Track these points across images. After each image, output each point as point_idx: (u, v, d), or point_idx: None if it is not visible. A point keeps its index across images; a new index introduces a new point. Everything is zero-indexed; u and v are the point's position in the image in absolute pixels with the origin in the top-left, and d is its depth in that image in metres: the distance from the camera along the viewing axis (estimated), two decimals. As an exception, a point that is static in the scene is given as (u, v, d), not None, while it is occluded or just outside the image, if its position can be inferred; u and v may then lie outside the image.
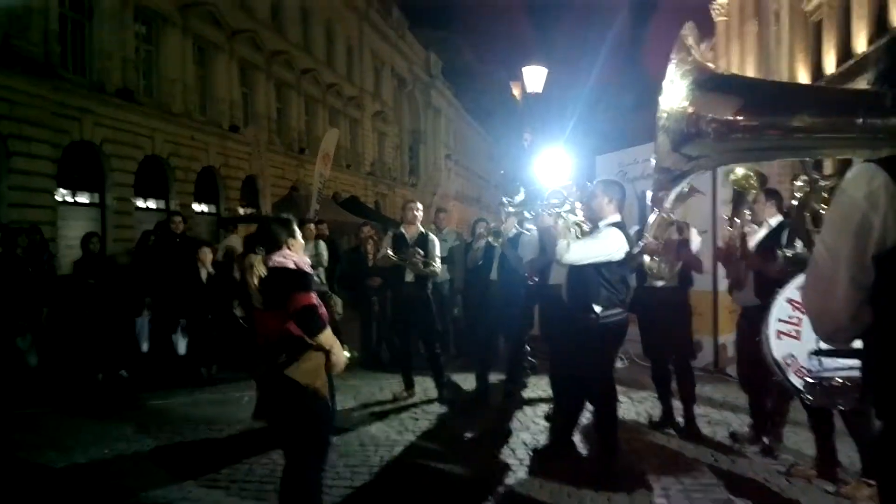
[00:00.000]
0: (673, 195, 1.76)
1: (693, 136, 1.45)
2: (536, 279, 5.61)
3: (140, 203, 16.12)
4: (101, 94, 14.18)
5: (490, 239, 5.80)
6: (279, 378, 2.92)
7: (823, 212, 3.63)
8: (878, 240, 1.31)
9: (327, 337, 3.00)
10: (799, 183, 3.54)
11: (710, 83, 1.50)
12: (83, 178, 14.42)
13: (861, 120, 1.35)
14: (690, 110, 1.46)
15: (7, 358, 6.79)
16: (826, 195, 1.79)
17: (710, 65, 1.58)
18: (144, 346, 7.88)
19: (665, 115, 1.51)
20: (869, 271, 1.33)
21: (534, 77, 16.86)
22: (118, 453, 4.82)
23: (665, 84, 1.52)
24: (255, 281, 2.99)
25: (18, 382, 6.66)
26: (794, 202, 3.96)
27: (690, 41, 1.59)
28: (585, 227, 4.42)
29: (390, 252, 5.99)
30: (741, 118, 1.44)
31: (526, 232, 5.81)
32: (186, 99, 17.27)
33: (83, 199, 14.61)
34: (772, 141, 1.50)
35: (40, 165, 12.55)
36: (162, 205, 16.87)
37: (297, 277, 3.00)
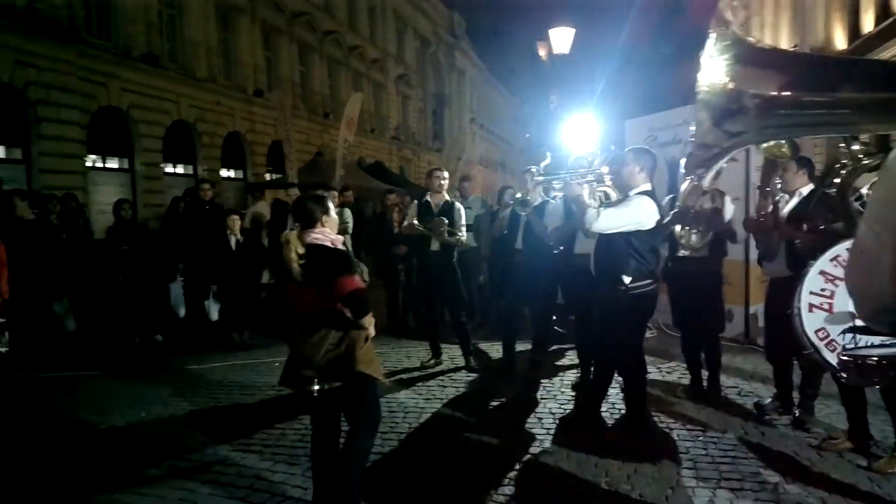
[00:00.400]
0: (713, 172, 1.71)
1: (735, 112, 1.41)
2: (562, 248, 5.57)
3: (168, 168, 16.28)
4: (126, 58, 14.22)
5: (517, 208, 5.75)
6: (351, 373, 3.07)
7: (865, 190, 3.57)
8: None
9: (370, 317, 3.13)
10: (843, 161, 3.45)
11: (751, 57, 1.45)
12: (112, 143, 14.59)
13: None
14: (731, 86, 1.41)
15: (45, 323, 6.98)
16: (868, 173, 1.73)
17: (751, 38, 1.52)
18: (182, 312, 8.05)
19: (704, 90, 1.46)
20: None
21: (561, 38, 16.49)
22: (155, 416, 4.98)
23: (703, 58, 1.47)
24: (294, 256, 3.02)
25: (57, 347, 6.87)
26: (830, 173, 3.87)
27: (729, 14, 1.53)
28: (613, 196, 4.36)
29: (416, 222, 5.98)
30: (785, 94, 1.39)
31: (552, 200, 5.75)
32: (211, 63, 17.25)
33: (112, 164, 14.81)
34: (816, 117, 1.45)
35: (70, 131, 12.69)
36: (190, 170, 17.04)
37: (343, 259, 3.13)
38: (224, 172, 18.21)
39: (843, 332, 3.12)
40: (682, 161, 5.15)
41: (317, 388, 3.07)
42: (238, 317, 7.63)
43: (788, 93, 1.40)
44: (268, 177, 19.59)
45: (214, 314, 7.83)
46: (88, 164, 13.65)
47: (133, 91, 14.53)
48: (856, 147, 3.81)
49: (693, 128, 1.56)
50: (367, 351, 3.14)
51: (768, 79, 1.41)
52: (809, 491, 3.35)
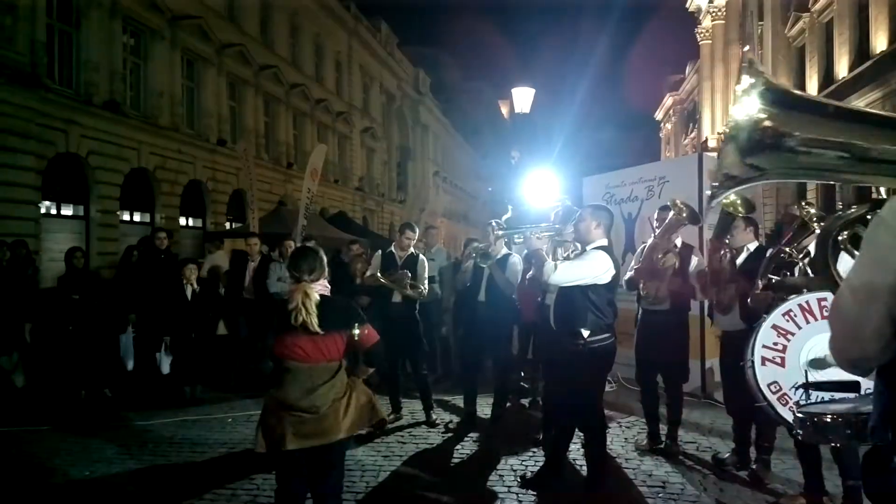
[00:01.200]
0: (717, 201, 1.77)
1: (763, 148, 1.48)
2: (539, 299, 5.60)
3: (125, 216, 15.97)
4: (87, 105, 14.07)
5: (478, 260, 5.80)
6: (353, 427, 3.16)
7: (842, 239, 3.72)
8: None
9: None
10: (812, 210, 3.62)
11: (785, 100, 1.53)
12: (68, 190, 14.26)
13: None
14: (766, 124, 1.49)
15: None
16: (850, 225, 1.80)
17: (786, 85, 1.61)
18: (130, 365, 7.77)
19: (735, 124, 1.53)
20: None
21: (522, 97, 17.03)
22: (99, 475, 4.73)
23: (738, 94, 1.55)
24: (311, 306, 3.03)
25: (4, 401, 6.54)
26: (787, 233, 4.03)
27: (754, 58, 1.62)
28: (571, 250, 4.47)
29: (379, 274, 5.97)
30: (815, 138, 1.47)
31: (515, 254, 5.82)
32: (174, 112, 17.20)
33: (67, 211, 14.44)
34: (839, 165, 1.52)
35: (24, 177, 12.38)
36: (147, 218, 16.73)
37: (357, 311, 3.29)
38: (183, 220, 17.95)
39: (796, 387, 3.18)
40: (654, 215, 5.32)
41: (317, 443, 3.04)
42: (191, 370, 7.40)
43: (819, 138, 1.48)
44: (228, 226, 19.37)
45: (166, 367, 7.58)
46: (42, 210, 13.30)
47: (93, 138, 14.34)
48: (812, 210, 4.01)
49: (716, 160, 1.63)
50: (364, 405, 3.20)
51: (800, 122, 1.48)
52: (768, 548, 3.35)
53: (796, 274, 3.90)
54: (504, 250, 5.75)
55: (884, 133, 1.46)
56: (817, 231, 3.84)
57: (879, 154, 1.44)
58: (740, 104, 1.50)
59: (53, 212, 13.96)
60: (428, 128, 42.89)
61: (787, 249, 3.96)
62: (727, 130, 1.53)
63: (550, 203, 5.57)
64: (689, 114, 45.37)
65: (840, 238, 1.85)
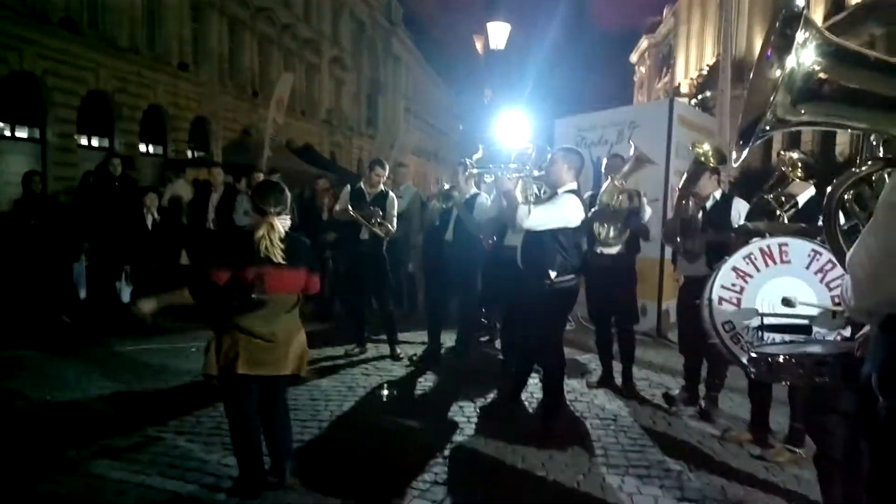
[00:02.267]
0: (762, 140, 1.81)
1: (815, 97, 1.53)
2: (493, 240, 5.66)
3: (83, 141, 15.42)
4: (42, 23, 13.33)
5: (440, 202, 5.77)
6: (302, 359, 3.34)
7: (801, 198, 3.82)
8: None
9: None
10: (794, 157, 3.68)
11: (837, 53, 1.57)
12: (23, 111, 13.67)
13: None
14: (821, 75, 1.54)
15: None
16: (858, 184, 1.86)
17: (839, 38, 1.64)
18: (82, 293, 7.65)
19: (791, 72, 1.57)
20: None
21: (497, 33, 16.69)
22: (61, 400, 4.74)
23: (795, 45, 1.58)
24: (276, 240, 3.13)
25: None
26: (771, 180, 4.10)
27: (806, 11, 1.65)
28: (540, 192, 4.50)
29: (350, 207, 5.92)
30: (865, 90, 1.52)
31: (483, 194, 5.82)
32: (134, 32, 16.42)
33: (22, 133, 13.90)
34: (884, 116, 1.57)
35: (-26, 96, 11.83)
36: (106, 143, 16.19)
37: (315, 256, 3.43)
38: (143, 147, 17.41)
39: (754, 329, 3.31)
40: (604, 161, 5.35)
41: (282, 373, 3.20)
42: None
43: (869, 91, 1.52)
44: (189, 154, 18.88)
45: (126, 296, 7.50)
46: (-5, 131, 12.77)
47: (48, 57, 13.66)
48: (796, 155, 4.08)
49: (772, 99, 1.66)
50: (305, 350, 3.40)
51: (849, 74, 1.53)
52: (711, 479, 3.56)
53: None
54: (473, 190, 5.75)
55: None
56: (795, 181, 3.94)
57: None
58: (796, 54, 1.53)
59: (7, 133, 13.40)
60: (400, 60, 41.82)
61: (767, 197, 4.05)
62: (782, 78, 1.56)
63: (521, 144, 5.54)
64: (663, 57, 45.09)
65: (846, 196, 1.90)
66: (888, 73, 1.54)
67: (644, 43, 50.80)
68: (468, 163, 5.61)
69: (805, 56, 1.52)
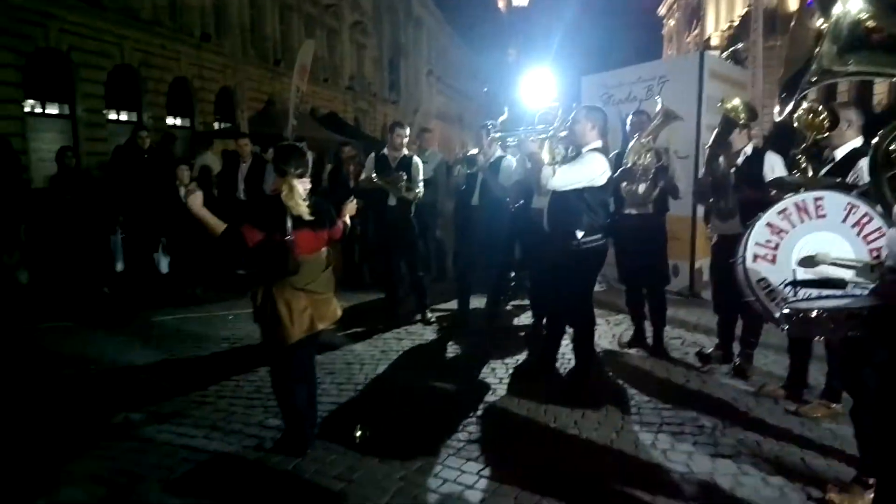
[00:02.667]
0: (809, 90, 1.77)
1: (863, 45, 1.50)
2: (521, 202, 5.63)
3: (112, 116, 15.61)
4: (65, -3, 13.42)
5: (465, 167, 5.72)
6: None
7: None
8: None
9: None
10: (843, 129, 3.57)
11: (885, 1, 1.53)
12: (51, 88, 13.85)
13: None
14: (869, 24, 1.50)
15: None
16: None
17: None
18: (119, 266, 7.84)
19: (837, 22, 1.53)
20: None
21: (520, -10, 16.26)
22: (104, 369, 4.91)
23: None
24: (299, 199, 3.26)
25: (10, 300, 6.65)
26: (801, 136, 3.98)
27: None
28: (567, 152, 4.45)
29: (374, 176, 5.93)
30: None
31: (509, 156, 5.78)
32: (155, 4, 16.43)
33: (53, 110, 14.09)
34: None
35: (4, 73, 12.00)
36: (134, 117, 16.37)
37: (334, 214, 3.59)
38: (170, 120, 17.57)
39: (786, 284, 3.26)
40: (628, 119, 5.25)
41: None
42: (191, 270, 7.50)
43: None
44: (216, 125, 19.00)
45: (164, 267, 7.68)
46: (27, 109, 12.97)
47: (73, 32, 13.76)
48: (806, 105, 3.94)
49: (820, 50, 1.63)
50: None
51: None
52: (745, 435, 3.57)
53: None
54: (498, 153, 5.71)
55: None
56: (832, 134, 3.81)
57: None
58: (843, 4, 1.48)
59: (38, 110, 13.62)
60: (421, 23, 41.19)
61: (796, 154, 3.95)
62: (828, 27, 1.52)
63: (546, 104, 5.45)
64: (692, 10, 43.63)
65: (892, 147, 1.86)
66: None
67: (672, -5, 49.15)
68: (491, 126, 5.57)
69: (852, 3, 1.46)
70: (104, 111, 15.07)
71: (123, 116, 16.16)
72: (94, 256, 7.47)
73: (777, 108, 1.84)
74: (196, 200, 3.19)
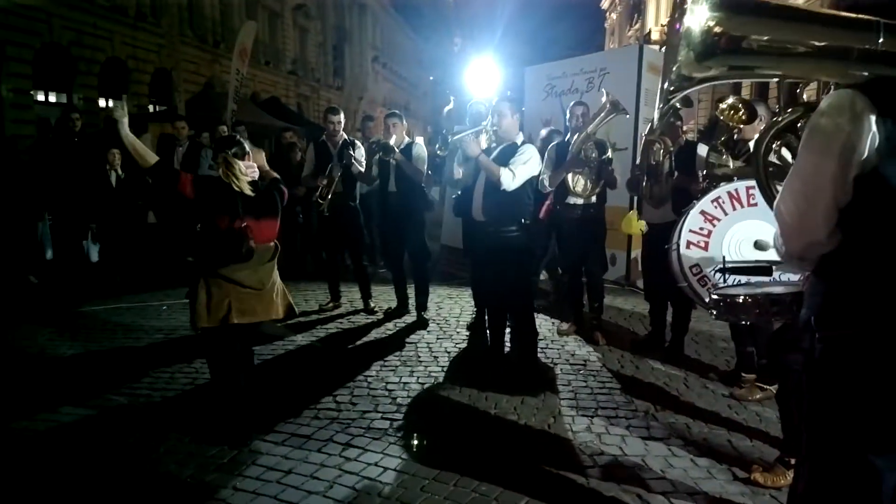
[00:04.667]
0: (674, 101, 1.82)
1: (717, 52, 1.54)
2: (458, 194, 5.61)
3: (40, 97, 14.85)
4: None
5: (382, 155, 5.61)
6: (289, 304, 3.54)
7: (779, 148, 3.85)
8: (861, 162, 1.41)
9: None
10: (756, 123, 3.71)
11: (733, 4, 1.58)
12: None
13: (857, 46, 1.45)
14: (718, 29, 1.55)
15: None
16: (782, 132, 1.90)
17: None
18: (49, 253, 7.51)
19: (688, 30, 1.57)
20: (849, 191, 1.44)
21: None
22: (31, 361, 4.70)
23: (690, 2, 1.58)
24: (240, 175, 3.24)
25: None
26: (716, 129, 4.14)
27: None
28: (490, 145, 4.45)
29: (309, 175, 5.95)
30: (764, 40, 1.54)
31: (418, 141, 5.79)
32: (86, -20, 15.68)
33: (-27, 88, 13.31)
34: (783, 63, 1.59)
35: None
36: (64, 98, 15.61)
37: (278, 201, 3.49)
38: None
39: (715, 270, 3.38)
40: (569, 110, 5.33)
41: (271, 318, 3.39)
42: (121, 258, 7.23)
43: (766, 40, 1.54)
44: (151, 108, 18.32)
45: (94, 255, 7.38)
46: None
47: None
48: (731, 100, 4.09)
49: (677, 57, 1.67)
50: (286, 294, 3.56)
51: (748, 25, 1.55)
52: (676, 418, 3.70)
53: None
54: (406, 139, 5.70)
55: (822, 29, 1.52)
56: (746, 127, 3.97)
57: (819, 50, 1.51)
58: (692, 11, 1.53)
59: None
60: (366, 7, 40.62)
61: (716, 144, 4.11)
62: (681, 35, 1.57)
63: (490, 95, 5.47)
64: (633, 4, 44.54)
65: (773, 145, 1.94)
66: (793, 21, 1.56)
67: (614, -12, 50.05)
68: (398, 114, 5.68)
69: (699, 11, 1.53)
70: (31, 91, 14.31)
71: (52, 97, 15.39)
72: (21, 244, 7.12)
73: (655, 115, 1.94)
74: (124, 123, 3.15)
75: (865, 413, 1.48)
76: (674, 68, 1.61)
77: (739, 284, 3.01)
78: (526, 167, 4.12)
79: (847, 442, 1.51)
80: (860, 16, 1.49)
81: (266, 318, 3.38)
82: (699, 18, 1.53)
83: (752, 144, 3.96)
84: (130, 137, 3.25)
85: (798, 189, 1.53)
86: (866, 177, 1.42)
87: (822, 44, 1.51)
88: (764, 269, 2.96)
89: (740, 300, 2.55)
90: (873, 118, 1.40)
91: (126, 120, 3.16)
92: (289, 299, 3.53)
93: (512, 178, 4.05)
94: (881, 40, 1.43)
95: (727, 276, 3.23)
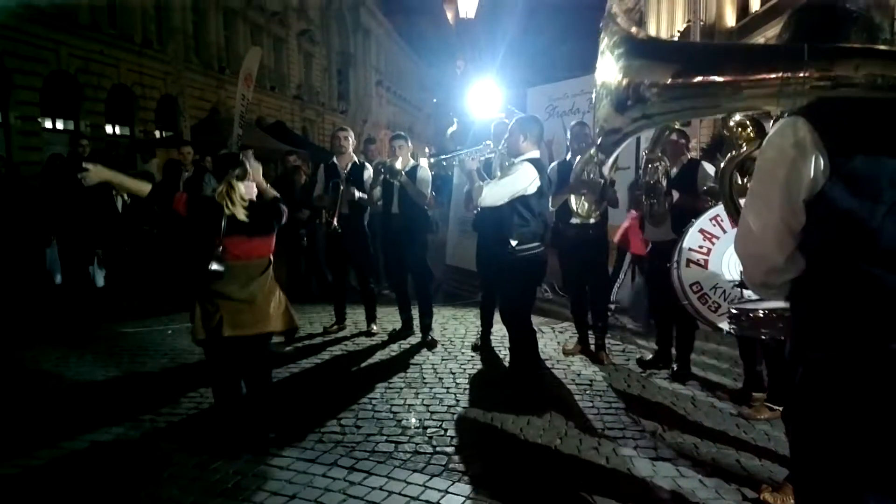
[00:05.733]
0: (613, 157, 1.83)
1: (634, 102, 1.53)
2: (476, 210, 5.62)
3: (48, 124, 15.03)
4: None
5: (388, 177, 5.62)
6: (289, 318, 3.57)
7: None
8: (808, 185, 1.41)
9: None
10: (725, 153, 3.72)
11: (639, 51, 1.56)
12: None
13: (782, 73, 1.42)
14: (625, 81, 1.53)
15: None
16: (745, 161, 1.92)
17: (635, 31, 1.63)
18: (58, 279, 7.54)
19: (602, 84, 1.58)
20: (800, 214, 1.44)
21: (467, 1, 16.47)
22: (36, 388, 4.70)
23: (599, 56, 1.58)
24: (238, 199, 3.32)
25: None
26: (721, 147, 4.15)
27: (615, 8, 1.64)
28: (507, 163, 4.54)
29: (324, 196, 5.98)
30: (675, 81, 1.51)
31: (423, 163, 5.83)
32: (94, 9, 15.93)
33: (-18, 117, 13.50)
34: (704, 100, 1.58)
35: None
36: (71, 126, 15.80)
37: (277, 217, 3.52)
38: (109, 129, 17.02)
39: (733, 286, 3.37)
40: (570, 131, 5.35)
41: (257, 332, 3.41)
42: (127, 283, 7.26)
43: (679, 81, 1.52)
44: (158, 134, 18.50)
45: (100, 280, 7.41)
46: (-48, 116, 12.38)
47: (6, 37, 13.21)
48: (738, 117, 4.10)
49: (597, 112, 1.66)
50: (287, 307, 3.58)
51: (659, 70, 1.53)
52: (684, 438, 3.66)
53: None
54: (412, 162, 5.73)
55: (734, 63, 1.51)
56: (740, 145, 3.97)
57: (735, 83, 1.48)
58: (601, 62, 1.53)
59: (-35, 118, 13.02)
60: (370, 33, 41.14)
61: (722, 160, 4.10)
62: (597, 89, 1.57)
63: (495, 116, 5.52)
64: (635, 24, 44.85)
65: (735, 177, 1.96)
66: (710, 57, 1.55)
67: (614, 7, 50.39)
68: (428, 153, 5.68)
69: (608, 63, 1.52)
70: (39, 119, 14.50)
71: (60, 125, 15.58)
72: (26, 270, 7.15)
73: (607, 162, 1.94)
74: (95, 175, 3.31)
75: (843, 442, 1.43)
76: (598, 125, 1.61)
77: (751, 300, 2.98)
78: (498, 187, 4.12)
79: (827, 475, 1.46)
80: (783, 45, 1.50)
81: (261, 330, 3.42)
82: (608, 69, 1.53)
83: None
84: (115, 178, 3.42)
85: (751, 216, 1.54)
86: (815, 200, 1.42)
87: (744, 78, 1.48)
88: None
89: (762, 314, 2.52)
90: (817, 141, 1.40)
91: (95, 173, 3.27)
92: (290, 312, 3.57)
93: (480, 194, 4.08)
94: (806, 72, 1.39)
95: (743, 289, 3.19)
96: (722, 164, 1.92)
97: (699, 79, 1.50)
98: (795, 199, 1.43)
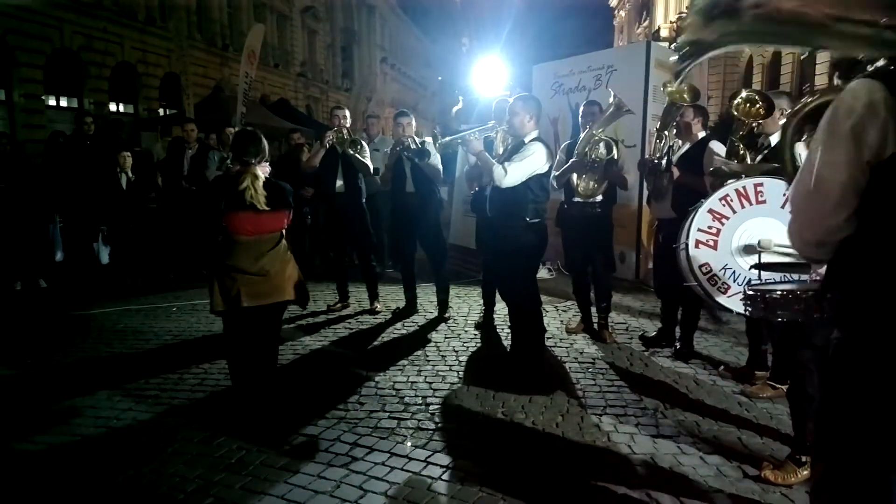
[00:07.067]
0: (689, 68, 1.76)
1: (725, 11, 1.49)
2: (476, 189, 5.60)
3: (51, 101, 14.99)
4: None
5: (416, 159, 5.58)
6: (299, 285, 3.68)
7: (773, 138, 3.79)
8: (876, 148, 1.39)
9: None
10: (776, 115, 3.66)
11: None
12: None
13: (885, 19, 1.37)
14: None
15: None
16: (807, 118, 1.86)
17: None
18: (59, 255, 7.57)
19: None
20: (865, 175, 1.42)
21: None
22: (41, 363, 4.73)
23: None
24: (260, 187, 3.43)
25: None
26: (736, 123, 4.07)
27: None
28: (508, 143, 4.50)
29: (327, 140, 5.89)
30: (779, 4, 1.47)
31: (428, 140, 5.78)
32: (96, -14, 15.81)
33: (-15, 95, 13.47)
34: (799, 29, 1.52)
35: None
36: (75, 103, 15.75)
37: (289, 196, 3.63)
38: (113, 106, 16.96)
39: (750, 267, 3.33)
40: (581, 109, 5.29)
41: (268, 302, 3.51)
42: (131, 260, 7.28)
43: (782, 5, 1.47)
44: (161, 112, 18.43)
45: (105, 257, 7.43)
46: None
47: (9, 14, 13.12)
48: (745, 94, 4.03)
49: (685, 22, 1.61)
50: (300, 278, 3.70)
51: None
52: (685, 416, 3.66)
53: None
54: (418, 139, 5.69)
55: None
56: (766, 121, 3.91)
57: (838, 23, 1.42)
58: None
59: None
60: (374, 9, 40.67)
61: (734, 140, 4.05)
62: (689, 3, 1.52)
63: (498, 94, 5.45)
64: (642, 2, 44.33)
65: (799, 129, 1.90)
66: None
67: (623, -14, 49.84)
68: (437, 133, 5.61)
69: None
70: (43, 96, 14.45)
71: (63, 102, 15.54)
72: (30, 247, 7.17)
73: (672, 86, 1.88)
74: None
75: (875, 418, 1.43)
76: (684, 34, 1.56)
77: (775, 282, 2.93)
78: (522, 164, 4.10)
79: (857, 451, 1.46)
80: None
81: (277, 299, 3.54)
82: None
83: (773, 138, 3.90)
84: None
85: (814, 171, 1.51)
86: (883, 164, 1.40)
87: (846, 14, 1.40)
88: (801, 265, 2.88)
89: (778, 295, 2.49)
90: (892, 106, 1.38)
91: None
92: (303, 286, 3.68)
93: (504, 175, 4.06)
94: None
95: (760, 271, 3.15)
96: (778, 128, 1.86)
97: (801, 7, 1.45)
98: (860, 157, 1.42)
